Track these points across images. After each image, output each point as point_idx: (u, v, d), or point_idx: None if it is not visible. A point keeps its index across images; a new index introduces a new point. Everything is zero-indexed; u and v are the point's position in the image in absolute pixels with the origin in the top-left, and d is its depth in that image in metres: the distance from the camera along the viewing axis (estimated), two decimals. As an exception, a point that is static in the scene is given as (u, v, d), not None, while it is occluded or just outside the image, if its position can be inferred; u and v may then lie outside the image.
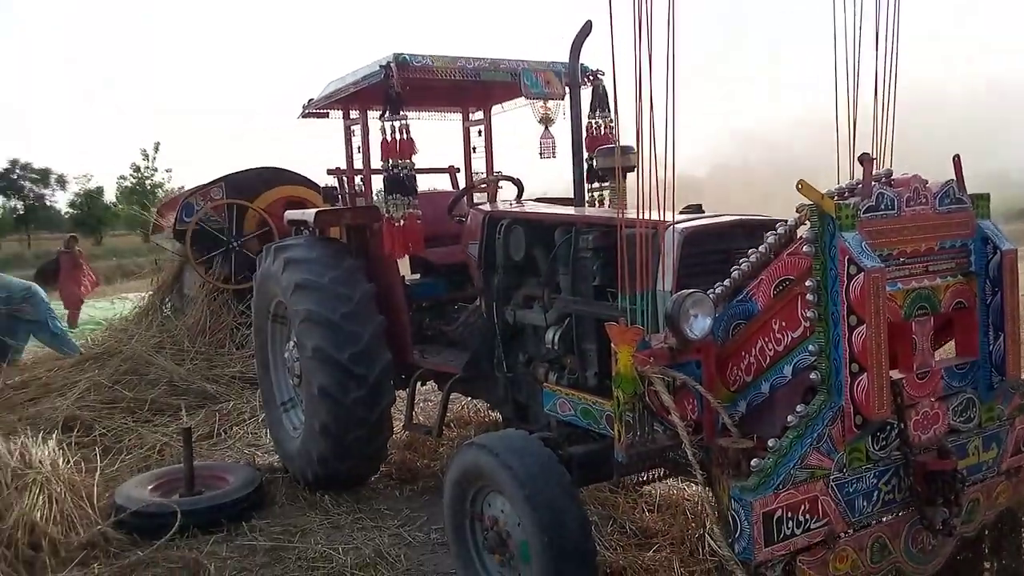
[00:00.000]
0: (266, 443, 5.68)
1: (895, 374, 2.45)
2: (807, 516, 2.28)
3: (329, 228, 5.27)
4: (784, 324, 2.56)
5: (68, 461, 4.75)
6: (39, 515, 4.07)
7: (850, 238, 2.29)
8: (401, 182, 4.39)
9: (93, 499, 4.45)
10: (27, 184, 47.28)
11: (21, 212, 47.74)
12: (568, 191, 4.55)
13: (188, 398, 6.62)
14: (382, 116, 4.41)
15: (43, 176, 47.75)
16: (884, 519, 2.48)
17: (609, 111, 5.11)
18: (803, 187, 2.30)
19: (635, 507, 4.29)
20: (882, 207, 2.41)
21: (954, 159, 2.59)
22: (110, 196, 44.81)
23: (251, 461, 5.42)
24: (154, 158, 40.89)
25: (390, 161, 4.40)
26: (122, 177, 42.71)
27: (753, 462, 2.27)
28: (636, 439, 2.74)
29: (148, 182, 40.38)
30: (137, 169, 41.25)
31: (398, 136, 4.35)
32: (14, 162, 46.60)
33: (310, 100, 5.44)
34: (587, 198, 4.79)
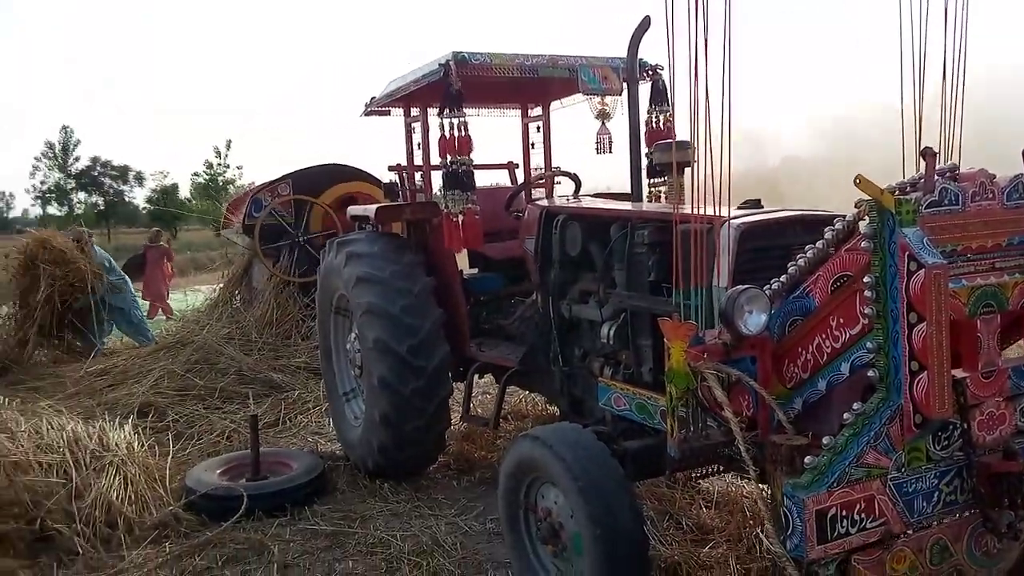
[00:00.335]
0: (329, 431, 5.83)
1: (958, 373, 2.39)
2: (862, 515, 2.25)
3: (390, 223, 5.38)
4: (842, 321, 2.53)
5: (143, 445, 4.99)
6: (115, 495, 4.29)
7: (910, 234, 2.24)
8: (459, 178, 4.44)
9: (166, 481, 4.66)
10: (107, 180, 49.44)
11: (102, 207, 49.94)
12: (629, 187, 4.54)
13: (255, 387, 6.83)
14: (440, 113, 4.48)
15: (122, 173, 49.86)
16: (945, 520, 2.42)
17: (668, 106, 5.07)
18: (861, 182, 2.26)
19: (692, 503, 4.27)
20: (946, 202, 2.35)
21: None
22: (184, 192, 46.53)
23: (315, 449, 5.58)
24: (226, 155, 42.27)
25: (448, 157, 4.46)
26: (196, 174, 44.29)
27: (807, 459, 2.25)
28: (689, 434, 2.74)
29: (220, 179, 41.75)
30: (210, 166, 42.73)
31: (456, 133, 4.41)
32: (95, 159, 48.75)
33: (372, 98, 5.55)
34: (646, 193, 4.78)
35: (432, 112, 5.02)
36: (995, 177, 2.44)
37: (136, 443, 4.90)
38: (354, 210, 5.71)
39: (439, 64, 4.51)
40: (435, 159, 4.97)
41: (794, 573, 2.17)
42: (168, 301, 13.15)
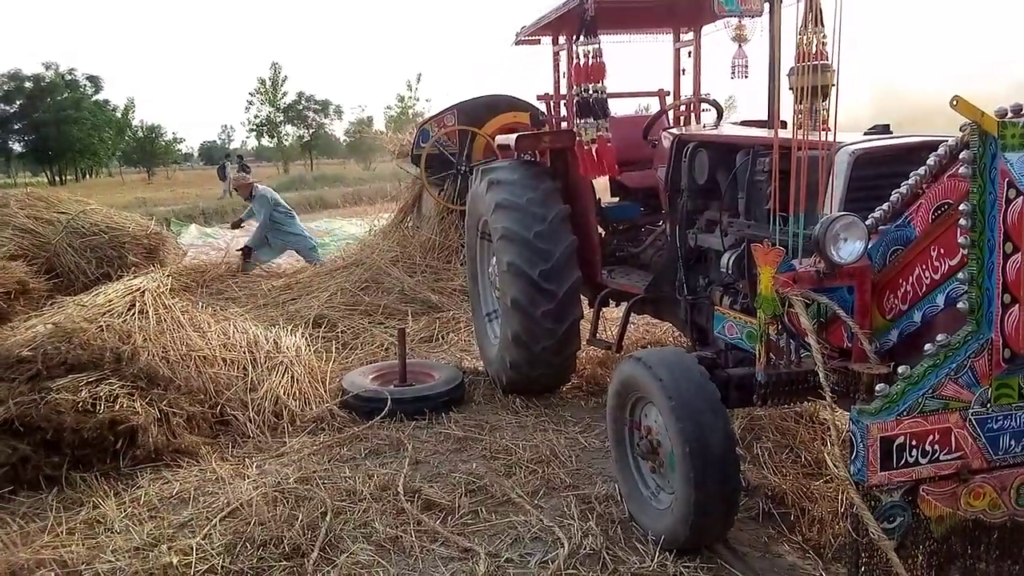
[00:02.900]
0: (475, 349, 6.20)
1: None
2: (935, 446, 2.21)
3: (536, 151, 5.51)
4: (942, 251, 2.43)
5: (310, 350, 5.60)
6: (283, 391, 4.91)
7: (1015, 160, 2.11)
8: (590, 106, 4.50)
9: (326, 382, 5.24)
10: (311, 114, 53.17)
11: (307, 139, 53.93)
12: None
13: (415, 305, 7.36)
14: (576, 40, 4.52)
15: (324, 107, 53.36)
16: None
17: (823, 27, 4.79)
18: (959, 103, 2.14)
19: (815, 438, 4.21)
20: (1065, 125, 2.17)
21: None
22: (379, 125, 49.12)
23: (458, 363, 5.97)
24: (416, 88, 44.07)
25: (581, 85, 4.52)
26: (388, 107, 46.59)
27: (878, 387, 2.23)
28: (779, 361, 2.76)
29: (411, 111, 43.65)
30: (401, 99, 44.77)
31: (589, 60, 4.44)
32: (300, 94, 52.47)
33: (522, 27, 5.66)
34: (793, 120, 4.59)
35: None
36: None
37: (304, 348, 5.52)
38: (500, 139, 5.91)
39: (575, -10, 4.53)
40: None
41: (855, 496, 2.19)
42: None
